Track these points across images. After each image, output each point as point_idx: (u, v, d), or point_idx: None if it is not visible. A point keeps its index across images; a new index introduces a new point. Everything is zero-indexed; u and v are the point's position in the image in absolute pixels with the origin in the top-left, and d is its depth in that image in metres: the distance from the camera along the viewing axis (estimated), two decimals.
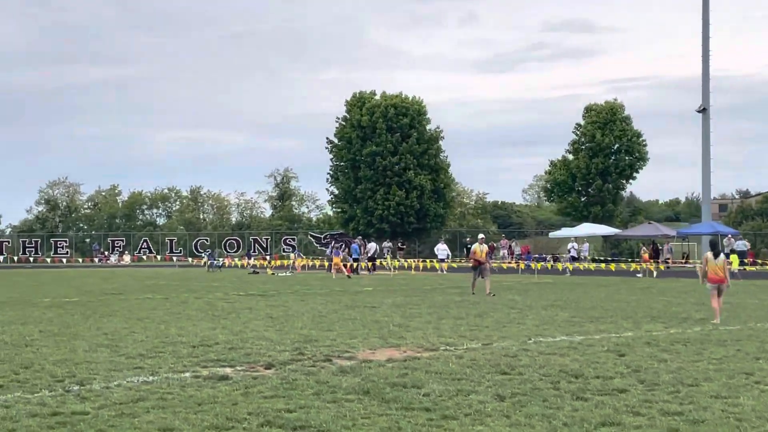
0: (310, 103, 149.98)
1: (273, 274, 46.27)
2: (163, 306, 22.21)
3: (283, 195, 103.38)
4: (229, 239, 79.34)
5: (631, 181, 64.26)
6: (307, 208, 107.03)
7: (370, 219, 65.05)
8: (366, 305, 22.05)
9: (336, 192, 69.06)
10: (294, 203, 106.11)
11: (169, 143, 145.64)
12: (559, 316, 18.46)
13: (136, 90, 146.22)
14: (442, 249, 42.24)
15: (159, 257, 73.70)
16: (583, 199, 63.92)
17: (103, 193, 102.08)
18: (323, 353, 12.28)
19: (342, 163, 67.79)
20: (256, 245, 76.23)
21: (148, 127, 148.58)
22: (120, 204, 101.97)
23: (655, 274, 41.60)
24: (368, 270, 46.16)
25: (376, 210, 64.46)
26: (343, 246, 48.63)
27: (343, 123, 67.79)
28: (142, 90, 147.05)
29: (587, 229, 55.07)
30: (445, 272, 42.15)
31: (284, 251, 74.46)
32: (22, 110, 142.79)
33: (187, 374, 10.55)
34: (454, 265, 45.55)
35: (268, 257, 64.59)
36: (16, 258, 72.71)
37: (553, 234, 59.87)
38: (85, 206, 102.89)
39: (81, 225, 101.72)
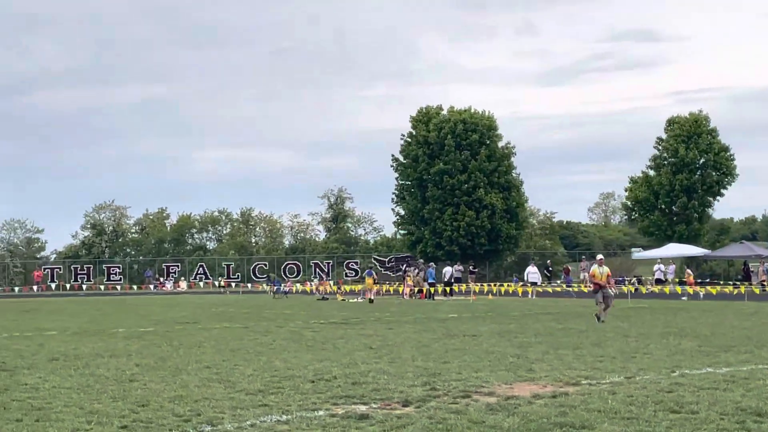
0: (359, 119, 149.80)
1: (344, 300, 45.93)
2: (248, 336, 21.90)
3: (338, 216, 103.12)
4: (289, 264, 79.23)
5: (718, 198, 63.01)
6: (364, 230, 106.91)
7: (439, 241, 64.55)
8: (463, 333, 21.53)
9: (402, 213, 68.59)
10: (349, 225, 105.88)
11: (214, 163, 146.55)
12: (685, 345, 17.77)
13: (180, 109, 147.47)
14: (533, 272, 41.52)
15: (217, 283, 73.81)
16: (666, 218, 62.69)
17: (151, 217, 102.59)
18: (458, 388, 11.80)
19: (408, 182, 67.38)
20: (317, 270, 76.07)
21: (192, 147, 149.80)
22: (168, 228, 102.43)
23: (702, 295, 40.57)
24: (445, 295, 45.60)
25: (445, 231, 63.93)
26: (418, 270, 48.13)
27: (409, 140, 67.44)
28: (186, 109, 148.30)
29: (674, 249, 53.98)
30: (534, 297, 41.35)
31: (347, 275, 74.25)
32: (63, 132, 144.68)
33: (321, 412, 10.15)
34: (549, 290, 44.68)
35: (330, 281, 64.33)
36: (68, 285, 73.27)
37: (637, 255, 58.83)
38: (133, 230, 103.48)
39: (128, 250, 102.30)
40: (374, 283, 44.56)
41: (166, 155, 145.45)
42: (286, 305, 41.07)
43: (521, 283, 46.86)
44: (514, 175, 67.12)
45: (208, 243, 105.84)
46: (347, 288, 54.36)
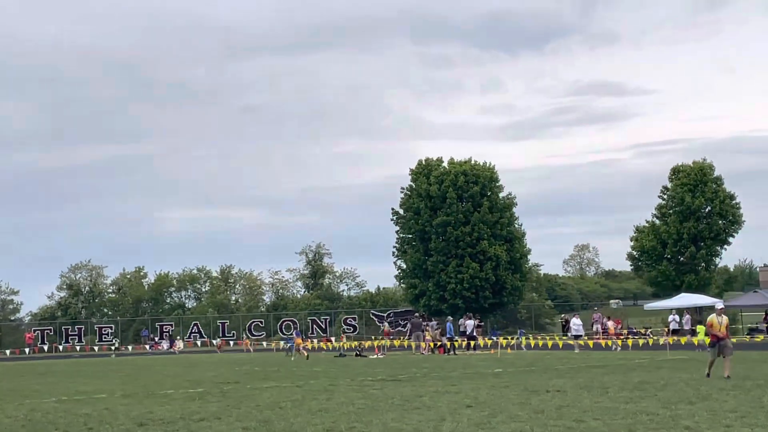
0: (330, 175, 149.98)
1: (358, 355, 44.92)
2: (313, 396, 20.90)
3: (317, 272, 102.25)
4: (286, 321, 78.09)
5: (725, 246, 62.73)
6: (347, 285, 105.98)
7: (443, 294, 63.77)
8: (542, 390, 20.69)
9: (404, 266, 67.82)
10: (329, 280, 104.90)
11: (183, 221, 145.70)
12: None
13: (147, 168, 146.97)
14: (577, 324, 40.68)
15: (215, 342, 72.53)
16: (674, 268, 62.28)
17: (128, 276, 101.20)
18: None
19: (410, 235, 66.74)
20: (314, 326, 75.00)
21: (161, 206, 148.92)
22: (146, 287, 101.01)
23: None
24: (468, 349, 44.72)
25: (449, 284, 63.18)
26: (435, 324, 47.31)
27: (409, 192, 66.93)
28: (154, 167, 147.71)
29: (686, 299, 53.48)
30: (578, 350, 40.41)
31: (345, 331, 73.20)
32: (36, 192, 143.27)
33: None
34: (591, 342, 43.81)
35: (331, 338, 63.33)
36: (61, 347, 71.64)
37: (649, 306, 58.23)
38: (110, 290, 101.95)
39: (105, 310, 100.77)
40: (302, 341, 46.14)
41: (135, 214, 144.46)
42: (309, 362, 39.99)
43: (565, 336, 46.18)
44: (516, 226, 66.68)
45: (186, 301, 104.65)
46: (354, 344, 53.38)
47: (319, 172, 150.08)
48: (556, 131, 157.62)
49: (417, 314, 52.82)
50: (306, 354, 45.96)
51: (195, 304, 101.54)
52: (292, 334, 51.56)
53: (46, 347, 71.40)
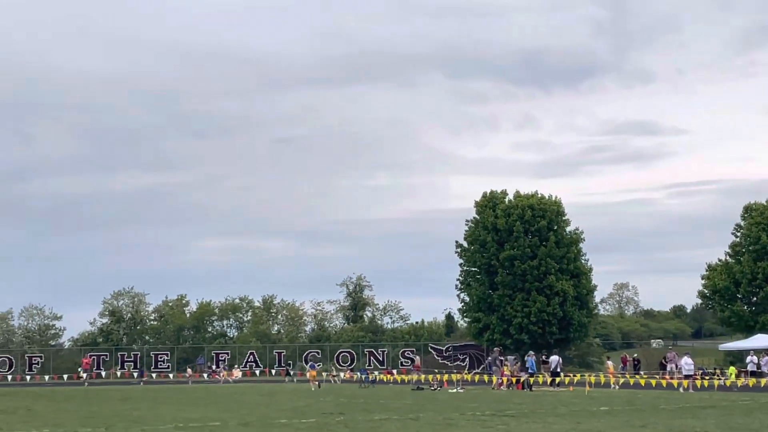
0: (361, 208, 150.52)
1: (435, 389, 44.43)
2: (435, 429, 20.54)
3: (357, 304, 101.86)
4: (342, 352, 77.72)
5: None
6: (391, 318, 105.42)
7: (507, 328, 63.12)
8: (680, 429, 20.19)
9: (467, 299, 67.26)
10: (368, 313, 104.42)
11: (215, 252, 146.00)
12: None
13: (180, 197, 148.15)
14: (689, 363, 39.87)
15: (273, 371, 72.26)
16: (748, 307, 61.26)
17: (170, 304, 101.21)
18: None
19: (474, 269, 66.21)
20: (371, 358, 74.55)
21: (193, 236, 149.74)
22: (188, 315, 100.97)
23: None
24: (552, 385, 44.11)
25: (515, 318, 62.53)
26: (513, 359, 46.77)
27: (473, 225, 66.51)
28: (192, 196, 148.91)
29: (763, 340, 52.60)
30: (690, 390, 39.52)
31: (402, 364, 72.69)
32: (74, 218, 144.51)
33: None
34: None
35: (393, 370, 62.92)
36: (119, 373, 71.57)
37: (723, 346, 57.29)
38: (151, 317, 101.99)
39: (147, 338, 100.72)
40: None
41: (169, 243, 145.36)
42: (388, 395, 39.53)
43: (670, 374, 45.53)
44: (582, 261, 65.97)
45: (228, 330, 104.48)
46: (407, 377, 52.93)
47: (351, 204, 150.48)
48: (590, 169, 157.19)
49: (495, 349, 52.20)
50: (319, 384, 48.03)
51: (236, 333, 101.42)
52: (363, 366, 51.09)
53: (103, 373, 71.29)
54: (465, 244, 67.06)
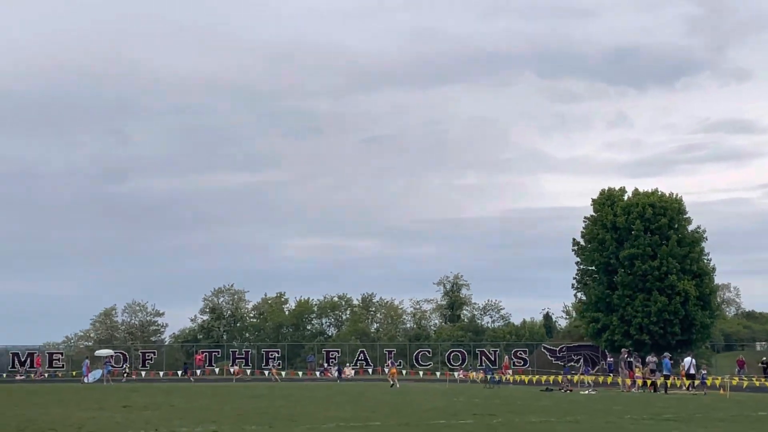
0: (450, 208, 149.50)
1: (565, 390, 43.65)
2: None
3: (454, 304, 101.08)
4: (453, 351, 77.34)
5: None
6: (491, 317, 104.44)
7: (627, 329, 61.73)
8: None
9: (584, 298, 66.08)
10: (466, 311, 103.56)
11: (306, 250, 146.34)
12: None
13: (270, 196, 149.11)
14: None
15: (385, 370, 71.99)
16: None
17: (270, 302, 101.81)
18: None
19: (592, 268, 65.00)
20: (483, 358, 73.97)
21: (284, 234, 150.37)
22: (287, 313, 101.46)
23: None
24: (689, 388, 42.98)
25: (635, 318, 61.13)
26: (648, 361, 45.68)
27: (591, 223, 65.26)
28: (283, 195, 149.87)
29: None
30: None
31: (515, 364, 71.96)
32: (172, 217, 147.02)
33: None
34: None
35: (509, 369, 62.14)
36: (233, 370, 72.14)
37: None
38: (251, 315, 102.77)
39: (247, 335, 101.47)
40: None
41: (261, 241, 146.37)
42: (528, 396, 38.92)
43: None
44: (704, 261, 64.16)
45: (327, 329, 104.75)
46: (551, 378, 52.13)
47: (441, 204, 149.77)
48: (684, 168, 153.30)
49: (623, 350, 51.15)
50: (397, 383, 50.26)
51: (335, 331, 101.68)
52: (487, 365, 50.60)
53: (216, 369, 71.93)
54: (582, 242, 65.86)
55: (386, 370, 61.76)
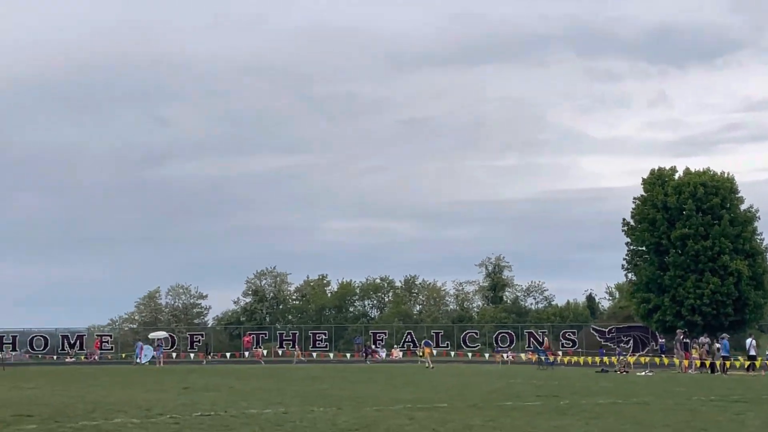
0: (488, 189, 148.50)
1: (621, 372, 43.22)
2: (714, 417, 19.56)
3: (496, 285, 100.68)
4: (501, 333, 77.11)
5: None
6: (534, 299, 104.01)
7: (679, 309, 61.07)
8: None
9: (634, 279, 65.50)
10: (508, 293, 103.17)
11: (346, 232, 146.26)
12: None
13: (309, 179, 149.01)
14: None
15: (436, 351, 71.93)
16: None
17: (312, 284, 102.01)
18: None
19: (642, 248, 64.35)
20: (531, 339, 73.68)
21: (322, 217, 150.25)
22: (329, 295, 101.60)
23: None
24: (748, 369, 42.42)
25: (687, 299, 60.44)
26: (702, 341, 45.16)
27: (641, 203, 64.56)
28: (322, 178, 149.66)
29: None
30: None
31: (564, 345, 71.62)
32: (213, 200, 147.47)
33: None
34: None
35: (558, 351, 61.84)
36: (280, 352, 72.35)
37: None
38: (293, 297, 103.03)
39: (289, 317, 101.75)
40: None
41: (301, 224, 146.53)
42: (585, 377, 38.59)
43: None
44: (757, 240, 63.30)
45: (370, 311, 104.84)
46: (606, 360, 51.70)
47: (480, 185, 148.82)
48: (725, 148, 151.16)
49: (678, 331, 50.59)
50: (431, 364, 51.21)
51: (377, 313, 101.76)
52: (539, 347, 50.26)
53: (264, 351, 72.20)
54: (632, 222, 65.22)
55: (418, 352, 63.57)
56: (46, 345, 74.83)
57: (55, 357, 71.84)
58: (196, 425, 17.35)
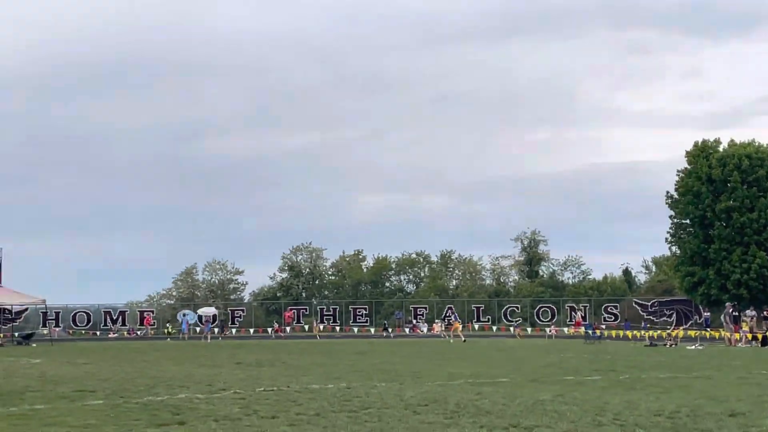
0: (522, 163, 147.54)
1: (671, 345, 42.79)
2: None
3: (532, 260, 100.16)
4: (542, 307, 76.76)
5: None
6: (572, 273, 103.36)
7: (724, 283, 60.44)
8: None
9: (678, 252, 64.88)
10: (544, 267, 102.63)
11: (378, 207, 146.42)
12: None
13: (340, 154, 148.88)
14: None
15: (477, 326, 71.86)
16: None
17: (347, 259, 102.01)
18: None
19: (686, 221, 63.66)
20: (572, 313, 73.37)
21: (355, 192, 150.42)
22: (365, 270, 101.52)
23: None
24: None
25: (733, 273, 59.77)
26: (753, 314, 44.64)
27: (685, 175, 63.81)
28: (354, 153, 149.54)
29: None
30: None
31: (606, 319, 71.26)
32: (249, 176, 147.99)
33: None
34: None
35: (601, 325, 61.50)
36: (321, 327, 72.43)
37: None
38: (330, 272, 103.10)
39: (326, 292, 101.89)
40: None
41: (334, 199, 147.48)
42: (635, 351, 38.23)
43: None
44: None
45: (406, 286, 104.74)
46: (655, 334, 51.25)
47: (513, 159, 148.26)
48: (761, 120, 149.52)
49: (728, 304, 50.02)
50: (464, 338, 52.03)
51: (413, 288, 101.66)
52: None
53: (306, 326, 72.28)
54: (675, 195, 64.52)
55: (439, 326, 66.12)
56: (88, 321, 75.42)
57: (98, 333, 72.34)
58: (263, 400, 17.22)
